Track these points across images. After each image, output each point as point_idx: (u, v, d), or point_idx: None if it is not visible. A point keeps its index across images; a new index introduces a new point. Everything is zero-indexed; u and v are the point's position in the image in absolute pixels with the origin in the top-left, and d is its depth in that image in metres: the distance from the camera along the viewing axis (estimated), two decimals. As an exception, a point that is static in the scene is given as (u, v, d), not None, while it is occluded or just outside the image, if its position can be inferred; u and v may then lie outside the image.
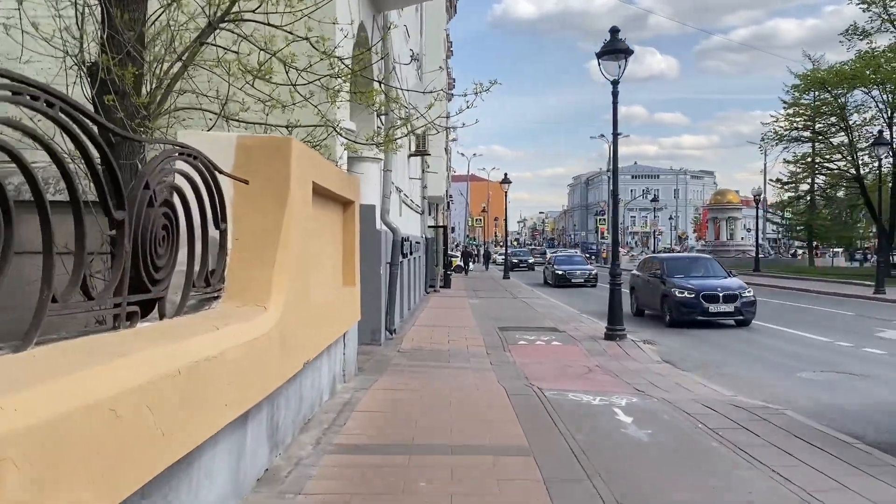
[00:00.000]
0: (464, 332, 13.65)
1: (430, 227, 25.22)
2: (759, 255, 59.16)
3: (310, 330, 5.44)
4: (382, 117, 11.89)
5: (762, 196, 47.95)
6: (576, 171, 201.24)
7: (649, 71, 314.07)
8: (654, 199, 60.31)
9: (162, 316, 3.65)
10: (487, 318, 16.32)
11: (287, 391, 5.21)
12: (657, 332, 14.80)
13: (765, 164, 79.08)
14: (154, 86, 5.87)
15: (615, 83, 12.49)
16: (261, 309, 4.37)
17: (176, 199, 3.81)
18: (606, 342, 12.25)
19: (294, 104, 5.92)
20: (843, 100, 37.96)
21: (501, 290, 27.00)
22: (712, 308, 15.38)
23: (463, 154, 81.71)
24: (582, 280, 30.97)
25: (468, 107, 7.01)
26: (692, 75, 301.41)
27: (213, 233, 4.32)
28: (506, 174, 36.95)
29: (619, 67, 12.47)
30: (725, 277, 16.92)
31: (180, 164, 3.99)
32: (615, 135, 12.68)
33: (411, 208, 19.21)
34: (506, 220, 39.15)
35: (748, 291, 15.94)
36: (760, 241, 75.81)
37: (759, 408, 7.32)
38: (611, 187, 12.85)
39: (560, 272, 31.58)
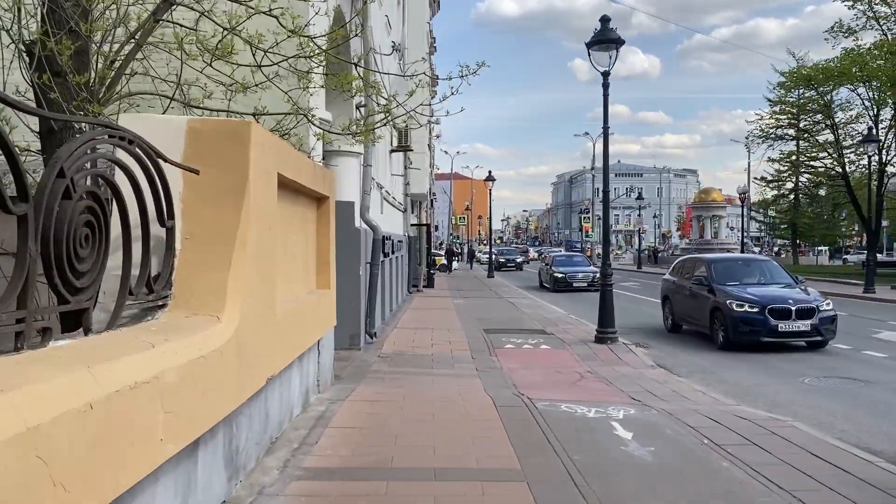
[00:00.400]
0: (448, 334, 13.08)
1: (412, 225, 24.62)
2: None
3: (275, 341, 4.83)
4: (362, 109, 11.30)
5: (747, 194, 47.68)
6: (559, 170, 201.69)
7: (632, 70, 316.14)
8: (639, 197, 59.93)
9: (87, 331, 3.04)
10: (472, 319, 15.76)
11: (249, 409, 4.61)
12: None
13: (748, 163, 79.24)
14: (102, 66, 5.24)
15: (606, 75, 11.97)
16: (213, 319, 3.76)
17: (122, 192, 3.21)
18: (597, 346, 11.73)
19: (257, 85, 5.32)
20: (828, 97, 37.75)
21: (486, 290, 26.46)
22: (783, 326, 11.84)
23: (446, 152, 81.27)
24: (585, 284, 26.93)
25: (453, 93, 6.43)
26: (674, 75, 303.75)
27: (159, 231, 3.71)
28: (490, 171, 36.47)
29: (610, 58, 11.96)
30: (793, 286, 13.31)
31: (120, 154, 3.39)
32: (606, 128, 12.16)
33: (393, 206, 18.61)
34: (490, 217, 38.61)
35: (827, 304, 12.42)
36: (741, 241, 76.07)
37: (766, 419, 6.80)
38: (601, 185, 12.33)
39: (560, 275, 27.81)
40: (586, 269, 28.82)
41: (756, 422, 6.65)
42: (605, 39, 11.88)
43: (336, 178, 9.89)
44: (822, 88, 37.46)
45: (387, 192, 16.10)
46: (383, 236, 14.25)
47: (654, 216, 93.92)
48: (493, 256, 40.76)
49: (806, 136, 41.20)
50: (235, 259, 3.96)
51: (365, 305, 11.31)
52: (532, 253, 79.76)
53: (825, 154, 40.12)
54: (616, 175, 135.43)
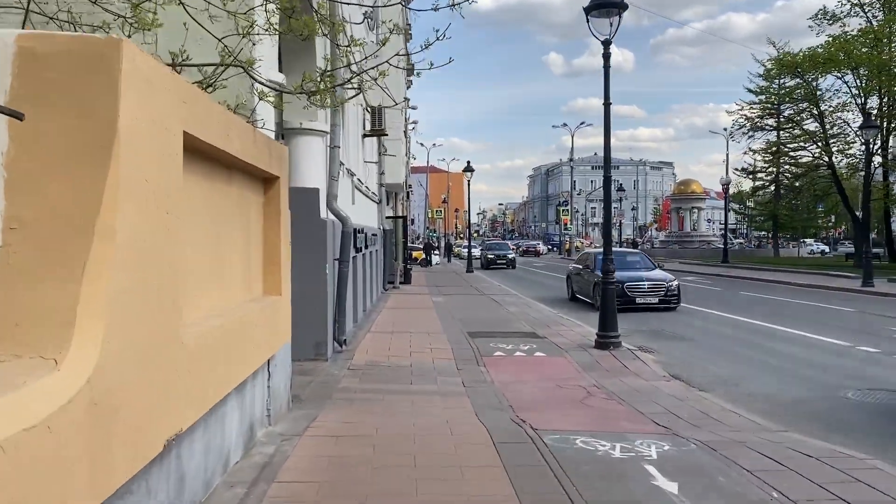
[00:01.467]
0: (428, 339, 11.58)
1: (388, 217, 23.04)
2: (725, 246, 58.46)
3: (184, 380, 3.30)
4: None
5: (728, 185, 46.71)
6: (534, 163, 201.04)
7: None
8: (620, 189, 58.74)
9: None
10: (454, 319, 14.28)
11: (150, 476, 3.09)
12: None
13: (727, 154, 78.63)
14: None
15: (607, 44, 10.51)
16: (46, 365, 2.23)
17: None
18: (598, 352, 10.31)
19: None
20: (814, 84, 36.70)
21: (466, 286, 24.98)
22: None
23: (422, 144, 79.59)
24: (657, 300, 17.13)
25: (439, 38, 4.93)
26: (648, 69, 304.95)
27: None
28: (468, 162, 34.88)
29: (612, 25, 10.50)
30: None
31: None
32: (607, 105, 10.67)
33: (367, 196, 17.06)
34: (469, 209, 37.00)
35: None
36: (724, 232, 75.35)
37: (836, 456, 5.39)
38: (602, 170, 10.88)
39: (624, 286, 16.29)
40: (657, 277, 17.89)
41: (823, 459, 5.25)
42: (606, 3, 10.42)
43: (292, 157, 8.38)
44: (808, 76, 36.40)
45: (359, 180, 14.55)
46: (355, 229, 12.72)
47: (633, 208, 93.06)
48: (482, 252, 38.81)
49: (791, 125, 40.19)
50: (94, 261, 2.42)
51: (333, 308, 9.78)
52: (541, 247, 75.02)
53: (812, 144, 39.09)
54: (592, 167, 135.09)
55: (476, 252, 43.81)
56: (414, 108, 29.95)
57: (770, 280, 27.80)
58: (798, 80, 37.64)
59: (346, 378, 8.34)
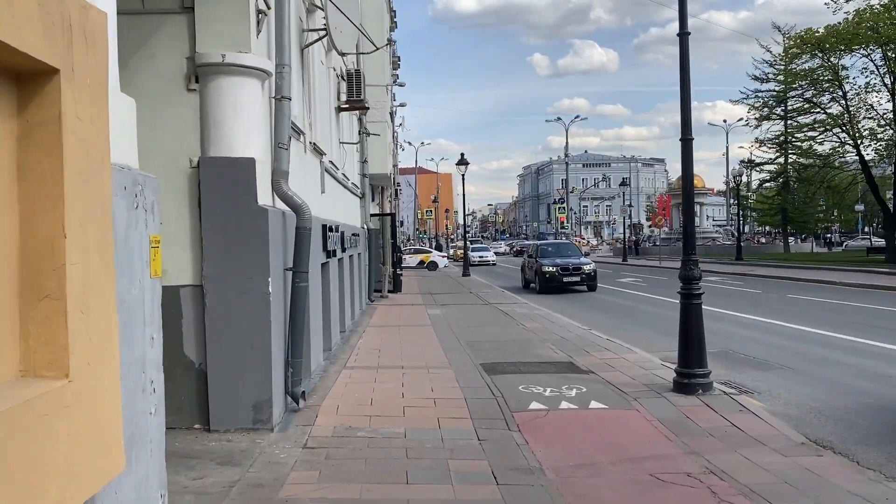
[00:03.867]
0: (428, 377, 8.24)
1: (373, 215, 19.62)
2: (728, 243, 55.34)
3: None
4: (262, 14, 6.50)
5: (739, 179, 43.55)
6: (522, 164, 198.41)
7: (590, 64, 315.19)
8: (623, 184, 55.25)
9: None
10: (460, 343, 10.94)
11: None
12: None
13: (727, 147, 75.70)
14: None
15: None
16: None
17: None
18: (682, 398, 6.99)
19: None
20: (836, 60, 33.44)
21: (464, 293, 21.61)
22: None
23: (410, 143, 76.33)
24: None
25: None
26: (632, 68, 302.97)
27: None
28: (462, 154, 31.52)
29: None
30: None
31: None
32: (684, 34, 7.38)
33: (346, 187, 13.68)
34: (464, 206, 33.45)
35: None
36: (725, 228, 72.28)
37: None
38: (680, 131, 7.53)
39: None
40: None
41: None
42: None
43: (211, 111, 5.17)
44: (831, 55, 33.22)
45: (332, 163, 11.18)
46: (325, 225, 9.36)
47: (630, 205, 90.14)
48: (467, 252, 35.12)
49: (799, 113, 37.06)
50: None
51: (284, 348, 6.41)
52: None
53: (828, 131, 35.85)
54: (584, 165, 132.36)
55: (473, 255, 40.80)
56: (402, 84, 26.45)
57: (810, 280, 24.47)
58: (819, 60, 34.45)
59: (298, 471, 4.97)
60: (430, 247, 58.14)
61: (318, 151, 9.66)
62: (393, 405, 6.84)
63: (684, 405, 6.77)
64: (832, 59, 33.32)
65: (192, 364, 5.95)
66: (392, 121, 26.49)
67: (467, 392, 7.38)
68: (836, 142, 35.03)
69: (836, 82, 33.62)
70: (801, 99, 37.35)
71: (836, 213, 63.16)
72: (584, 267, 21.95)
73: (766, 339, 11.61)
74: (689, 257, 7.27)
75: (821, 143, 36.07)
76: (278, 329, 6.22)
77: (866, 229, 71.42)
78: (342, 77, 12.44)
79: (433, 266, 38.52)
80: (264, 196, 6.15)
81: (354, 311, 14.24)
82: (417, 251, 43.76)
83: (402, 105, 39.81)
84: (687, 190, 7.56)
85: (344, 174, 13.15)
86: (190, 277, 5.89)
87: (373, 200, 22.79)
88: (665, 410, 6.62)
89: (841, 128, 33.97)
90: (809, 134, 37.60)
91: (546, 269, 21.88)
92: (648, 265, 39.23)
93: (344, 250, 11.78)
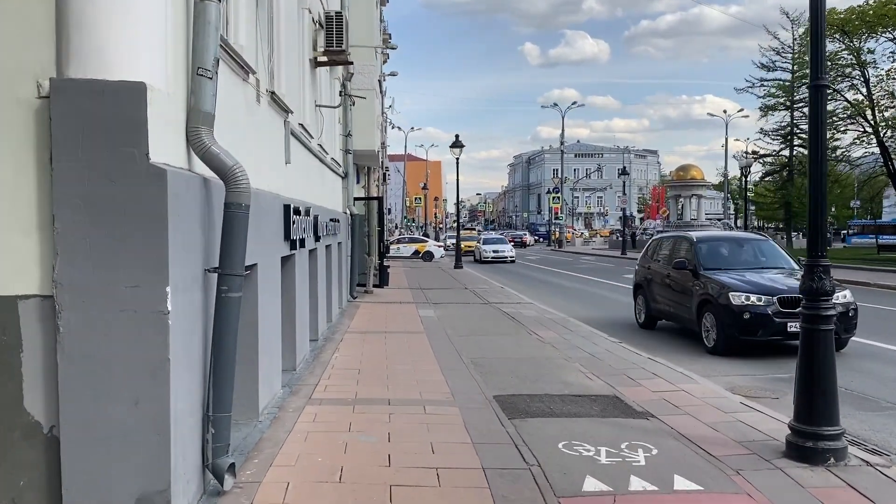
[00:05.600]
0: (425, 425, 5.85)
1: (357, 199, 17.15)
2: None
3: None
4: None
5: (748, 170, 41.34)
6: (512, 154, 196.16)
7: (581, 54, 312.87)
8: (624, 172, 52.88)
9: None
10: (463, 361, 8.56)
11: None
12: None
13: (726, 139, 73.32)
14: None
15: None
16: None
17: None
18: (805, 471, 4.65)
19: None
20: (859, 44, 31.20)
21: (459, 289, 19.21)
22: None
23: (400, 128, 73.70)
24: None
25: None
26: (622, 60, 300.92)
27: None
28: (457, 136, 29.03)
29: None
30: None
31: None
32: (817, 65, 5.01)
33: (324, 163, 11.25)
34: (458, 190, 30.64)
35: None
36: (724, 222, 70.10)
37: None
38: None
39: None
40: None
41: None
42: None
43: None
44: (854, 38, 31.01)
45: (303, 128, 8.74)
46: (289, 206, 6.96)
47: (624, 194, 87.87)
48: (459, 242, 32.41)
49: (835, 97, 34.93)
50: None
51: (201, 397, 4.02)
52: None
53: (849, 119, 33.68)
54: (576, 155, 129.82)
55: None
56: (394, 47, 23.72)
57: (847, 280, 22.16)
58: (838, 43, 32.23)
59: None
60: (420, 235, 55.87)
61: (282, 107, 7.22)
62: (373, 484, 4.45)
63: (811, 482, 4.44)
64: (855, 41, 31.10)
65: (38, 427, 3.56)
66: (381, 91, 23.92)
67: (484, 454, 5.00)
68: (858, 131, 32.83)
69: (860, 66, 31.40)
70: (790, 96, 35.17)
71: (833, 209, 61.40)
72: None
73: (874, 367, 8.99)
74: (816, 261, 4.89)
75: (843, 132, 33.80)
76: (187, 369, 3.82)
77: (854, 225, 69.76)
78: (319, 23, 9.98)
79: (429, 256, 36.72)
80: (167, 149, 3.73)
81: (332, 313, 11.84)
82: (413, 240, 42.09)
83: (392, 74, 37.02)
84: (818, 160, 5.05)
85: (321, 146, 10.71)
86: (33, 282, 3.50)
87: (357, 182, 20.34)
88: (784, 490, 4.29)
89: (862, 115, 31.78)
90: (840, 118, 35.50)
91: (742, 301, 9.54)
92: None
93: (318, 239, 9.38)
